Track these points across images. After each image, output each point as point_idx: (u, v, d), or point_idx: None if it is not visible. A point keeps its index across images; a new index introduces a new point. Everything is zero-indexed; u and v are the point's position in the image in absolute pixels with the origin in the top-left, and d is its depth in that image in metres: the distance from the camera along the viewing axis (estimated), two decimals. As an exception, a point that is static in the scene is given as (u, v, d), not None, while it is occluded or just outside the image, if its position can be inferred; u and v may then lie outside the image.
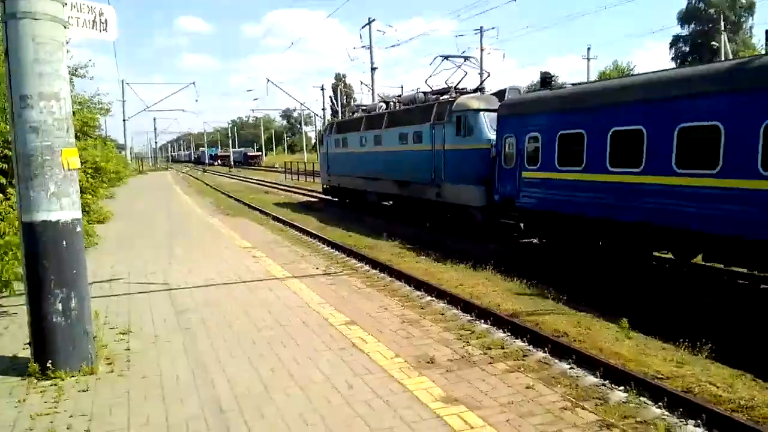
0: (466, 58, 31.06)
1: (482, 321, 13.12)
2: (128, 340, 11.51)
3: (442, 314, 13.50)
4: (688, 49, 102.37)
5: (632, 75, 23.22)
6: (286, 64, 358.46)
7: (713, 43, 76.76)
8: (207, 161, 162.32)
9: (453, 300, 14.75)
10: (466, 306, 14.18)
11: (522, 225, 22.14)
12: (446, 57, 30.27)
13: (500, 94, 25.17)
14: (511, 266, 18.90)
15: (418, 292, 15.61)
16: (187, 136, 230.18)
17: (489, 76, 32.55)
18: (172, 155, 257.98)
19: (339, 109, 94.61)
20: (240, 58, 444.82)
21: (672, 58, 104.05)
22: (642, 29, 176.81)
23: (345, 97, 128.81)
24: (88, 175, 24.93)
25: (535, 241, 22.77)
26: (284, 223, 29.07)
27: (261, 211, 34.22)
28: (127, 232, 24.40)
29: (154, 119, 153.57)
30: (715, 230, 14.44)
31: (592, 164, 18.25)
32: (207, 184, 65.90)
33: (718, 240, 14.52)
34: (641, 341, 12.17)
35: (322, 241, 23.33)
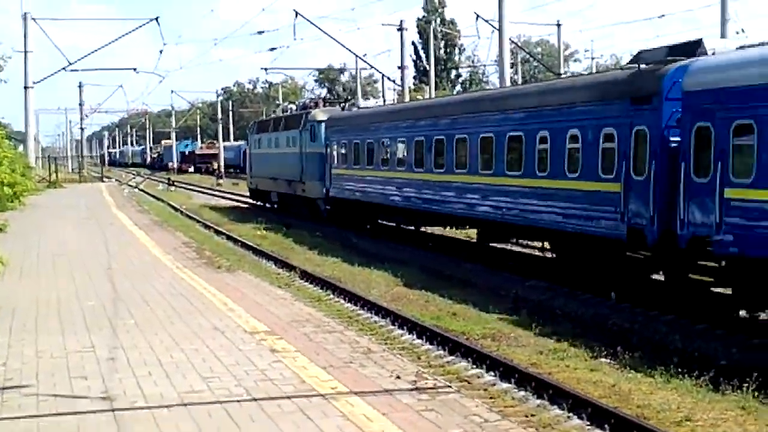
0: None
1: None
2: None
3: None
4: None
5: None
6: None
7: None
8: (176, 164, 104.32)
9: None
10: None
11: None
12: (325, 100, 44.78)
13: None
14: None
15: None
16: (139, 117, 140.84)
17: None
18: (110, 153, 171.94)
19: (429, 65, 53.43)
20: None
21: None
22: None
23: (444, 45, 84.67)
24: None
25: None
26: (327, 285, 18.53)
27: (283, 263, 22.08)
28: (30, 296, 15.26)
29: (81, 87, 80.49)
30: None
31: (368, 164, 28.39)
32: (175, 211, 41.22)
33: None
34: None
35: (398, 323, 14.73)
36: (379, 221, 29.80)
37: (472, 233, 24.64)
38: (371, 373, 10.01)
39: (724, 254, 13.20)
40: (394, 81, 51.89)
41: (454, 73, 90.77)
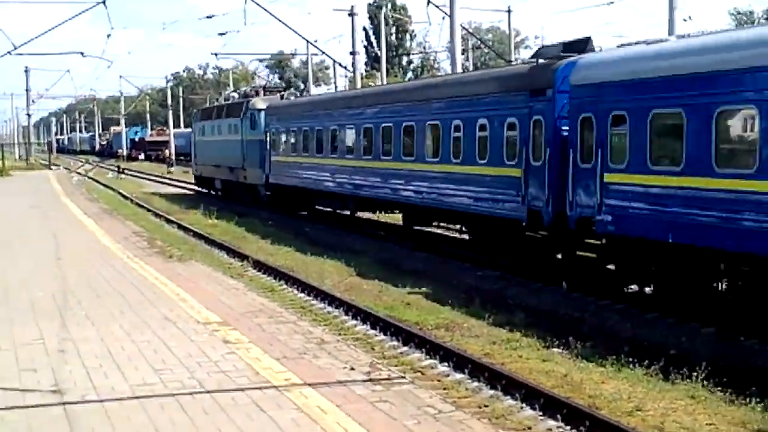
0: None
1: None
2: None
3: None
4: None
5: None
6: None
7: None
8: (126, 152, 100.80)
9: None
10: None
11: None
12: (265, 88, 40.78)
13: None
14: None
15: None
16: (87, 103, 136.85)
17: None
18: (58, 140, 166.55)
19: (381, 51, 51.58)
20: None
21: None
22: None
23: (395, 32, 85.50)
24: None
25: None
26: (280, 275, 18.24)
27: (235, 252, 21.81)
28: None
29: (27, 72, 79.98)
30: None
31: (304, 151, 29.82)
32: (125, 199, 40.52)
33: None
34: None
35: (352, 313, 14.57)
36: (316, 206, 31.17)
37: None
38: (325, 365, 9.96)
39: (604, 233, 14.58)
40: (345, 67, 51.76)
41: (405, 59, 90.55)
